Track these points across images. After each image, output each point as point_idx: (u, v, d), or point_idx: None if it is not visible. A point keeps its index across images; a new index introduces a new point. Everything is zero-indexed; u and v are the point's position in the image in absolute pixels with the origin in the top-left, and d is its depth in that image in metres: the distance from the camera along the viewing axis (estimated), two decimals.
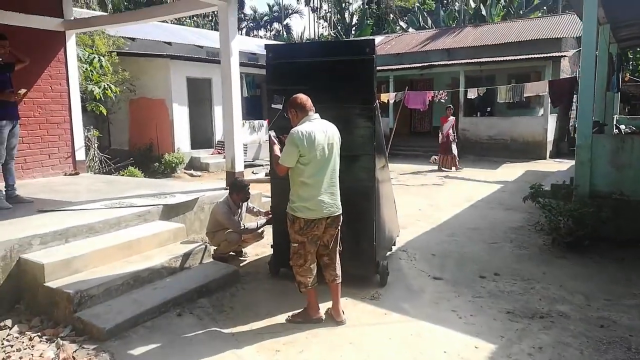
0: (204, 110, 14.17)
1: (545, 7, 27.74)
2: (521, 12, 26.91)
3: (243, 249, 5.44)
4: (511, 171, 12.45)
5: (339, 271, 3.75)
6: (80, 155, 8.01)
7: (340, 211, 3.66)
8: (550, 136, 15.50)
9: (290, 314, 3.77)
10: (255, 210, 5.50)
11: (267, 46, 4.46)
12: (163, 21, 17.44)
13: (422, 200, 8.70)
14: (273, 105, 4.39)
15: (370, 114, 4.14)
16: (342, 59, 4.17)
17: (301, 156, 3.44)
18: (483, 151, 15.69)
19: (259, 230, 5.29)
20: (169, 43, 15.41)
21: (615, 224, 5.51)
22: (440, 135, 12.98)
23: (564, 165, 12.96)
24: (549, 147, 15.40)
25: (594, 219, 5.34)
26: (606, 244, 5.50)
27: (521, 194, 9.06)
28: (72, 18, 7.81)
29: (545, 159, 14.97)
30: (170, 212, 5.29)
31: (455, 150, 12.89)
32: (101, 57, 9.02)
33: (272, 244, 4.69)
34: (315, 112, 3.63)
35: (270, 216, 4.96)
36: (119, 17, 7.16)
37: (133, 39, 14.74)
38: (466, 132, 16.25)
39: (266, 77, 4.45)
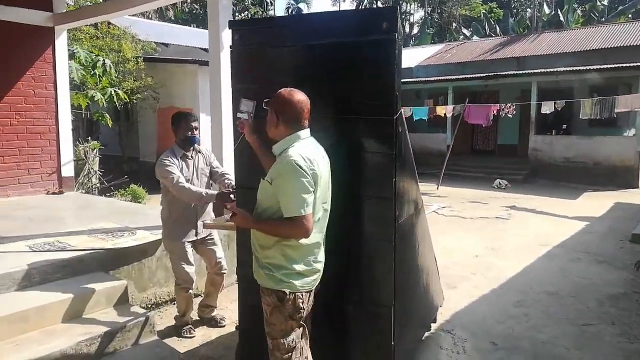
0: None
1: (630, 13, 24.56)
2: (603, 19, 23.97)
3: (215, 310, 3.87)
4: (596, 203, 10.12)
5: None
6: (67, 170, 6.83)
7: None
8: None
9: None
10: (224, 178, 3.69)
11: (231, 23, 2.90)
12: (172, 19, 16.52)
13: (480, 241, 6.78)
14: (239, 114, 2.81)
15: (390, 131, 2.46)
16: (345, 42, 2.52)
17: None
18: (558, 175, 13.31)
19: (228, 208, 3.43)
20: (206, 49, 14.35)
21: None
22: None
23: None
24: None
25: None
26: None
27: (615, 238, 6.92)
28: (64, 10, 6.68)
29: (636, 187, 12.40)
30: (116, 259, 3.82)
31: None
32: (105, 60, 7.89)
33: (237, 323, 3.09)
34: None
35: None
36: (109, 6, 5.90)
37: (166, 45, 13.82)
38: (538, 153, 13.94)
39: (231, 70, 2.89)
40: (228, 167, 4.15)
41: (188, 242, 3.59)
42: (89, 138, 8.81)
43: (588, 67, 13.40)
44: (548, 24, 23.51)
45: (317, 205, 2.13)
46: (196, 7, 33.39)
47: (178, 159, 3.52)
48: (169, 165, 3.43)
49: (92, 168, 7.93)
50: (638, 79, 12.64)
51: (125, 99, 9.03)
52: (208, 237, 3.72)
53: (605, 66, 13.24)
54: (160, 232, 4.33)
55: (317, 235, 2.20)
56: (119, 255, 3.82)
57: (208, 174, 3.73)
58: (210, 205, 3.74)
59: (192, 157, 3.61)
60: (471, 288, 4.86)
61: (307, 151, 2.10)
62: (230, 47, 2.85)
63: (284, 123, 2.15)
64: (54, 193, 6.61)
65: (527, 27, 25.29)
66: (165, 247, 3.76)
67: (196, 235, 3.60)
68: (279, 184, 2.04)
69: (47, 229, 4.40)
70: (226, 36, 4.54)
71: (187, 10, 32.58)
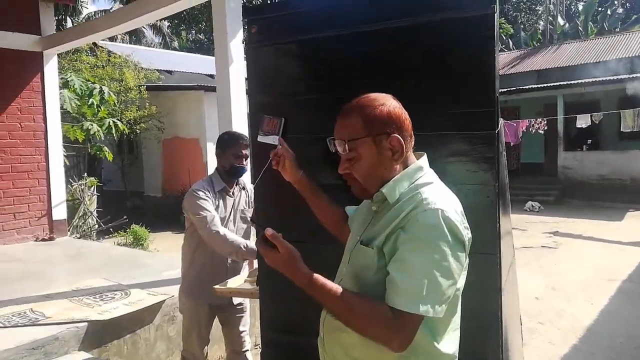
0: None
1: None
2: (617, 29, 23.26)
3: None
4: None
5: None
6: (59, 213, 6.03)
7: None
8: None
9: None
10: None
11: (246, 11, 2.11)
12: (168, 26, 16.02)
13: (534, 278, 5.83)
14: (260, 138, 2.00)
15: (491, 153, 1.61)
16: (419, 22, 1.69)
17: None
18: (592, 194, 12.33)
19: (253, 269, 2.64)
20: (212, 76, 13.80)
21: None
22: None
23: None
24: None
25: None
26: None
27: None
28: (53, 32, 5.99)
29: None
30: (103, 333, 2.95)
31: None
32: (103, 88, 7.20)
33: None
34: None
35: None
36: (101, 23, 5.22)
37: (170, 72, 13.23)
38: (568, 171, 13.00)
39: (247, 76, 2.07)
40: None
41: (214, 305, 2.68)
42: (85, 175, 8.05)
43: (623, 76, 12.50)
44: (563, 36, 22.82)
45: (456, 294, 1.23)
46: (200, 37, 33.26)
47: (215, 194, 2.61)
48: (204, 200, 2.53)
49: (87, 209, 7.12)
50: None
51: (125, 129, 8.29)
52: (238, 304, 2.79)
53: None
54: (160, 289, 3.51)
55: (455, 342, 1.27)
56: (107, 327, 2.95)
57: (248, 220, 2.79)
58: (246, 263, 2.81)
59: (233, 194, 2.71)
60: (545, 344, 3.93)
61: (450, 196, 1.23)
62: (245, 43, 2.05)
63: (400, 148, 1.23)
64: (43, 239, 5.80)
65: (539, 41, 24.61)
66: (180, 305, 2.84)
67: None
68: (403, 253, 1.12)
69: (22, 290, 3.57)
70: (235, 47, 3.76)
71: (191, 39, 32.41)
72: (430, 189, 1.20)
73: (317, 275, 1.15)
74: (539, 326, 4.30)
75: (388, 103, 1.26)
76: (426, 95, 1.68)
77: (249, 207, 2.79)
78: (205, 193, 2.56)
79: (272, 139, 1.94)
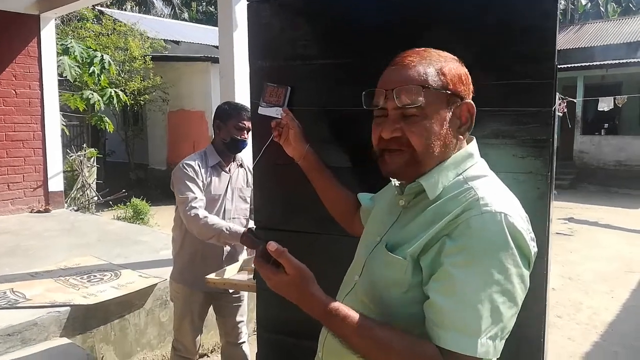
0: None
1: None
2: None
3: None
4: None
5: None
6: (55, 184, 5.79)
7: None
8: None
9: None
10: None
11: None
12: None
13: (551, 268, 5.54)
14: (262, 110, 1.70)
15: (546, 135, 1.31)
16: None
17: None
18: (609, 180, 11.94)
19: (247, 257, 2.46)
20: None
21: None
22: None
23: None
24: None
25: None
26: None
27: None
28: None
29: None
30: (88, 318, 2.72)
31: None
32: (104, 56, 6.87)
33: None
34: None
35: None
36: None
37: (177, 42, 12.84)
38: (584, 155, 12.60)
39: (248, 38, 1.76)
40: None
41: (208, 293, 2.44)
42: (85, 145, 7.79)
43: None
44: (584, 16, 22.00)
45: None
46: (211, 9, 32.58)
47: (207, 169, 2.37)
48: (191, 178, 2.29)
49: (86, 181, 6.88)
50: None
51: (127, 100, 7.98)
52: (235, 291, 2.54)
53: None
54: (154, 270, 3.27)
55: None
56: (92, 311, 2.72)
57: (249, 200, 2.54)
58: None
59: (229, 170, 2.46)
60: (564, 340, 3.67)
61: (510, 195, 0.93)
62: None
63: (466, 124, 0.96)
64: (39, 211, 5.58)
65: (560, 21, 23.76)
66: (170, 292, 2.60)
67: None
68: (451, 271, 0.82)
69: (7, 267, 3.35)
70: (241, 11, 3.43)
71: (202, 11, 31.77)
72: (486, 185, 0.90)
73: (336, 304, 0.87)
74: (557, 320, 4.04)
75: (460, 62, 0.98)
76: (468, 61, 1.37)
77: (247, 186, 2.52)
78: (193, 168, 2.30)
79: (276, 111, 1.64)
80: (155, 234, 4.70)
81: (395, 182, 1.04)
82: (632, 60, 12.26)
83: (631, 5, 22.07)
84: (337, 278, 1.60)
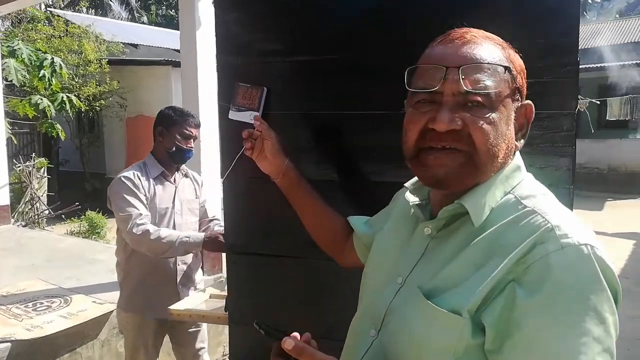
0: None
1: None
2: (594, 18, 23.26)
3: None
4: (625, 214, 9.02)
5: None
6: (1, 198, 5.32)
7: None
8: None
9: None
10: (214, 224, 2.35)
11: None
12: None
13: None
14: (233, 115, 1.46)
15: (569, 142, 1.13)
16: None
17: None
18: None
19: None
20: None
21: None
22: None
23: None
24: None
25: None
26: None
27: None
28: None
29: None
30: (32, 353, 2.38)
31: None
32: (55, 58, 6.41)
33: None
34: None
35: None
36: None
37: (136, 46, 12.35)
38: None
39: (215, 30, 1.51)
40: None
41: (162, 320, 2.15)
42: (34, 155, 7.26)
43: (600, 65, 12.28)
44: None
45: None
46: (171, 12, 31.86)
47: (150, 182, 2.13)
48: (129, 191, 2.05)
49: (35, 193, 6.38)
50: None
51: (82, 106, 7.51)
52: None
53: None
54: (110, 294, 2.95)
55: None
56: (38, 346, 2.38)
57: (198, 213, 2.33)
58: (199, 258, 2.33)
59: (174, 180, 2.23)
60: None
61: (573, 215, 0.71)
62: None
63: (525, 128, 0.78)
64: None
65: None
66: (119, 323, 2.32)
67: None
68: (536, 335, 0.60)
69: None
70: (205, 7, 3.16)
71: (162, 14, 31.01)
72: (552, 207, 0.69)
73: None
74: None
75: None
76: None
77: (196, 198, 2.32)
78: (133, 181, 2.07)
79: (250, 116, 1.40)
80: (111, 250, 4.31)
81: (412, 200, 0.82)
82: (587, 65, 12.61)
83: (585, 13, 22.93)
84: (329, 309, 1.37)
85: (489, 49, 0.71)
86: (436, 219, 0.75)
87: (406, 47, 1.21)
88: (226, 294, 1.60)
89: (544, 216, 0.66)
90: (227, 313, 1.62)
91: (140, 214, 2.02)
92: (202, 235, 2.06)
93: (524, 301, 0.61)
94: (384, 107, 1.28)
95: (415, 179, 0.86)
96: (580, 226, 0.66)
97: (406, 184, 0.87)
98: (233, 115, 1.44)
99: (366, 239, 1.01)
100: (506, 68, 0.70)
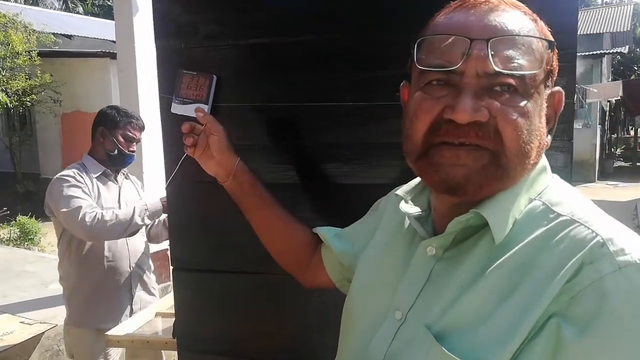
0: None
1: None
2: None
3: None
4: None
5: None
6: None
7: None
8: (597, 154, 12.58)
9: None
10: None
11: None
12: None
13: None
14: (175, 108, 1.24)
15: (567, 136, 1.01)
16: None
17: None
18: None
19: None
20: None
21: None
22: None
23: (623, 190, 10.05)
24: (597, 167, 12.47)
25: None
26: None
27: None
28: None
29: (594, 181, 12.04)
30: None
31: None
32: None
33: None
34: None
35: None
36: None
37: (69, 37, 11.59)
38: None
39: (153, 7, 1.29)
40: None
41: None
42: None
43: None
44: None
45: None
46: (109, 3, 30.39)
47: (93, 181, 2.02)
48: (72, 186, 1.92)
49: None
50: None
51: (9, 102, 6.92)
52: None
53: None
54: (42, 312, 2.65)
55: None
56: None
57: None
58: (150, 261, 2.21)
59: (117, 180, 2.14)
60: None
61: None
62: None
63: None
64: None
65: None
66: (67, 343, 2.12)
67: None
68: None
69: None
70: None
71: (98, 4, 29.53)
72: (594, 213, 0.54)
73: None
74: None
75: None
76: None
77: (139, 198, 2.20)
78: (76, 179, 1.95)
79: (197, 109, 1.20)
80: (44, 261, 3.95)
81: (409, 211, 0.65)
82: None
83: None
84: (290, 331, 1.20)
85: (521, 19, 0.56)
86: (443, 235, 0.58)
87: (382, 30, 1.05)
88: (174, 311, 1.40)
89: (588, 227, 0.51)
90: (175, 339, 1.42)
91: (90, 204, 1.90)
92: (158, 200, 1.97)
93: (574, 343, 0.46)
94: (353, 98, 1.12)
95: (409, 185, 0.70)
96: (634, 237, 0.51)
97: (397, 192, 0.69)
98: (176, 108, 1.22)
99: (343, 257, 0.83)
100: (550, 43, 0.55)
